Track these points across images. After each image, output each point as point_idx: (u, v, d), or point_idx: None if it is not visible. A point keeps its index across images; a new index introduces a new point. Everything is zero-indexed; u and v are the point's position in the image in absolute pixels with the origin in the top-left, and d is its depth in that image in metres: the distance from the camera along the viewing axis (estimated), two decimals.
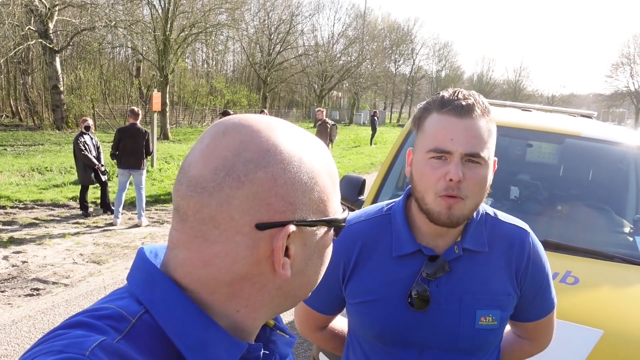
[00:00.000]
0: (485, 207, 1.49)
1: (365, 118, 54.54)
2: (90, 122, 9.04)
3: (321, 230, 0.73)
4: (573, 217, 3.33)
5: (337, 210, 0.76)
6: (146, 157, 8.59)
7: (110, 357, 0.58)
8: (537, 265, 1.45)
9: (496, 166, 1.40)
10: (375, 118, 28.45)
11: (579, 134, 3.49)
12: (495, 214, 1.49)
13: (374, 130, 28.35)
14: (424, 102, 1.41)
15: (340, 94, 59.13)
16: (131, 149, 8.34)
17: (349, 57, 49.96)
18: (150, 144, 8.65)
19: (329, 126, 12.90)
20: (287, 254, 0.69)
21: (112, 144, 8.57)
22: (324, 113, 13.64)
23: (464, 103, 1.29)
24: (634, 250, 3.05)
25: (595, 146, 3.53)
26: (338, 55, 48.72)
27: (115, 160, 8.69)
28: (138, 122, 8.59)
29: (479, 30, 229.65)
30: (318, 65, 43.94)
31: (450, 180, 1.27)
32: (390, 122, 61.02)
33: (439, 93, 1.37)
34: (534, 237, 1.48)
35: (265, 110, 15.78)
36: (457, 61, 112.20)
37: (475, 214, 1.42)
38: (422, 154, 1.33)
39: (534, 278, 1.45)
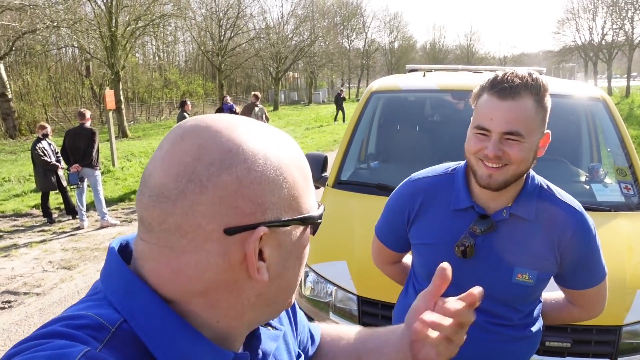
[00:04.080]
0: (544, 182, 1.65)
1: (324, 96, 54.47)
2: (48, 129, 8.80)
3: (297, 230, 0.69)
4: None
5: (311, 206, 0.71)
6: (88, 155, 8.20)
7: None
8: (581, 244, 1.58)
9: (550, 139, 1.55)
10: (342, 97, 28.37)
11: None
12: (551, 190, 1.63)
13: (340, 108, 28.17)
14: (484, 81, 1.55)
15: (296, 74, 58.77)
16: (73, 147, 8.15)
17: (301, 37, 49.58)
18: (95, 144, 8.29)
19: (257, 110, 12.77)
20: (261, 257, 0.65)
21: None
22: (258, 98, 13.43)
23: (507, 85, 1.43)
24: (591, 197, 3.17)
25: None
26: (290, 36, 48.28)
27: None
28: (87, 122, 8.42)
29: None
30: (271, 47, 43.48)
31: (486, 155, 1.46)
32: (349, 97, 61.08)
33: (497, 73, 1.52)
34: (583, 219, 1.60)
35: (228, 97, 15.48)
36: (409, 31, 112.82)
37: (529, 183, 1.59)
38: (472, 127, 1.54)
39: (575, 254, 1.59)
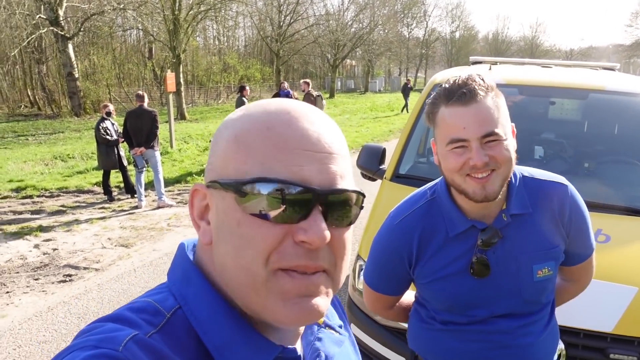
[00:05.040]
0: (520, 170, 1.58)
1: (381, 85, 54.03)
2: (111, 107, 9.06)
3: (228, 197, 0.64)
4: (600, 174, 3.27)
5: (256, 171, 0.62)
6: (151, 137, 8.42)
7: (143, 352, 0.58)
8: (578, 214, 1.57)
9: (515, 131, 1.49)
10: (409, 87, 27.94)
11: (602, 87, 3.40)
12: (531, 174, 1.59)
13: (406, 98, 27.78)
14: (431, 97, 1.49)
15: (354, 62, 58.50)
16: (137, 128, 8.35)
17: (360, 24, 49.30)
18: (158, 124, 8.52)
19: (314, 97, 12.72)
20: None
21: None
22: (310, 85, 13.49)
23: (465, 90, 1.37)
24: None
25: (620, 99, 3.44)
26: (349, 23, 48.04)
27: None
28: (145, 104, 8.60)
29: None
30: (330, 34, 43.41)
31: (474, 165, 1.37)
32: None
33: (441, 85, 1.45)
34: (572, 189, 1.58)
35: (285, 84, 15.54)
36: (471, 21, 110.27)
37: (513, 178, 1.52)
38: (443, 146, 1.44)
39: (577, 226, 1.58)
